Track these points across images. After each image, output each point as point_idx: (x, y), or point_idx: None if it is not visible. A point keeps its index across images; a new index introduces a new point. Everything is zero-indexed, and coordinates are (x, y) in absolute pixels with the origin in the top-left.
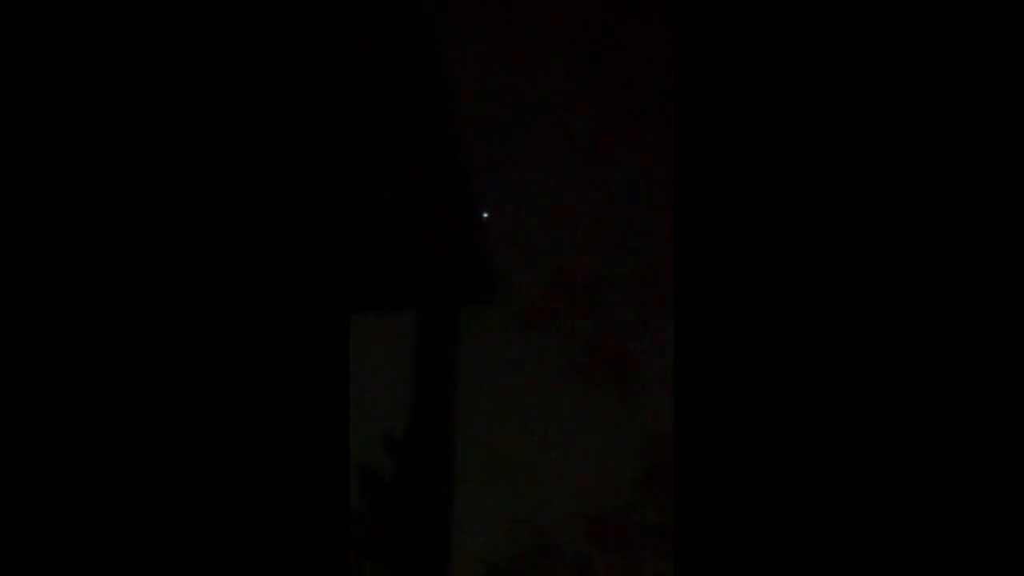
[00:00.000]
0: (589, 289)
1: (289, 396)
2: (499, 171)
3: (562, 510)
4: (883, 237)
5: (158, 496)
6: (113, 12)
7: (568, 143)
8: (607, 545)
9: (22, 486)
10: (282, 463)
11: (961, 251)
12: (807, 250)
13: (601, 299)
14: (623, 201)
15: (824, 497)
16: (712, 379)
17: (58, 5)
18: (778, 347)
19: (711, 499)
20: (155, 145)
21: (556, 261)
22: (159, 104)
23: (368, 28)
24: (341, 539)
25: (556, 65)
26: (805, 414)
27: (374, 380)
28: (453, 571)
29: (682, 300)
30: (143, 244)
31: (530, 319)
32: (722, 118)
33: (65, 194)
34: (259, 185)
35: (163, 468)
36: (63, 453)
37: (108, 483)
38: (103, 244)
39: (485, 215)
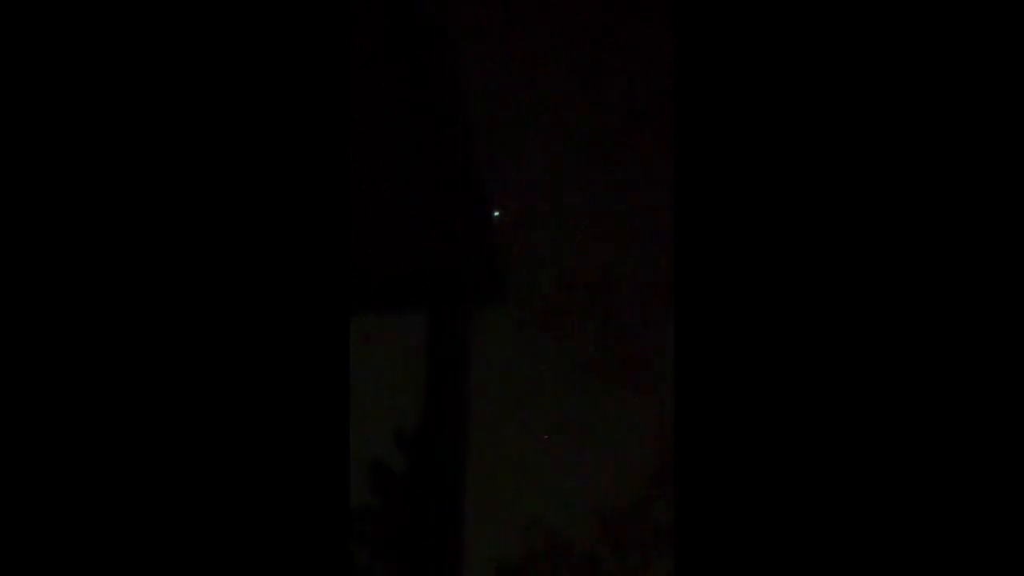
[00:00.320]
0: (598, 289)
1: (290, 394)
2: (503, 171)
3: (573, 508)
4: (882, 235)
5: (162, 493)
6: (115, 12)
7: (571, 143)
8: (618, 544)
9: (26, 484)
10: (283, 460)
11: (960, 250)
12: (807, 249)
13: (610, 298)
14: (630, 201)
15: (824, 497)
16: (712, 378)
17: (59, 5)
18: (777, 346)
19: (711, 499)
20: (156, 145)
21: (564, 261)
22: (160, 104)
23: (368, 28)
24: (342, 536)
25: (557, 65)
26: (805, 413)
27: (386, 379)
28: (465, 569)
29: (682, 299)
30: (145, 244)
31: (540, 319)
32: (722, 117)
33: (66, 194)
34: (260, 185)
35: (165, 465)
36: (75, 451)
37: (109, 482)
38: (106, 244)
39: (496, 214)
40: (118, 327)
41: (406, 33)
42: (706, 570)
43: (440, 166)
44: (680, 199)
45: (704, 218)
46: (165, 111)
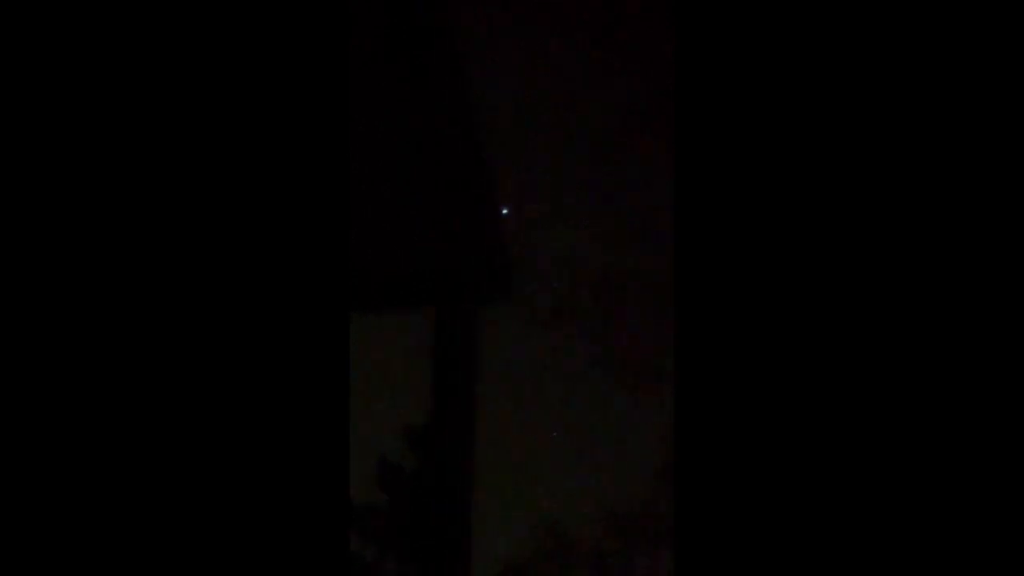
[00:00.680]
0: (603, 288)
1: (290, 393)
2: (503, 171)
3: (579, 506)
4: (881, 233)
5: (163, 491)
6: (116, 12)
7: (572, 142)
8: (625, 541)
9: (28, 483)
10: (284, 458)
11: (958, 245)
12: (807, 248)
13: (615, 297)
14: (633, 200)
15: (823, 496)
16: (712, 378)
17: (60, 5)
18: (777, 344)
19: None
20: (157, 145)
21: (570, 261)
22: (161, 104)
23: (368, 28)
24: (342, 534)
25: (557, 65)
26: (805, 413)
27: (395, 379)
28: (472, 566)
29: (682, 299)
30: (147, 244)
31: (549, 316)
32: (722, 117)
33: (67, 194)
34: (261, 185)
35: (166, 463)
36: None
37: (112, 478)
38: (107, 244)
39: (505, 211)
40: (120, 326)
41: (406, 33)
42: (706, 568)
43: (440, 166)
44: (680, 198)
45: (704, 217)
46: (167, 111)
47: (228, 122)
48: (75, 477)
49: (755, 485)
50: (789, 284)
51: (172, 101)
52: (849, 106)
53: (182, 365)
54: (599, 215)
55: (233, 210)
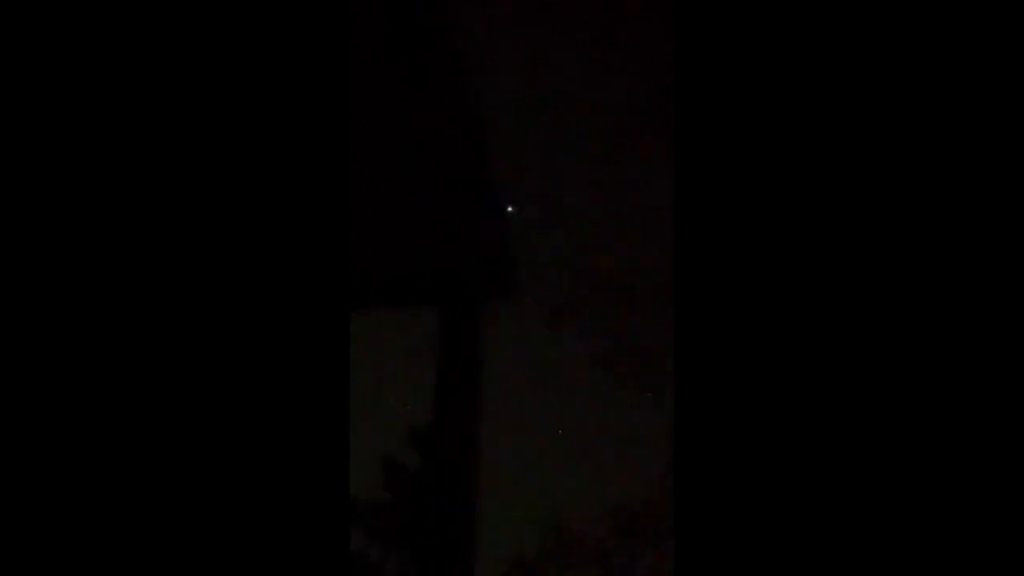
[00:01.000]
0: (608, 287)
1: (290, 393)
2: (503, 171)
3: (585, 504)
4: (881, 233)
5: (163, 490)
6: (117, 12)
7: (572, 142)
8: (630, 539)
9: (28, 483)
10: (285, 457)
11: (958, 245)
12: (807, 248)
13: (620, 296)
14: (636, 199)
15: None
16: (712, 377)
17: (60, 5)
18: (778, 344)
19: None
20: (157, 145)
21: (575, 260)
22: (161, 104)
23: (368, 28)
24: (343, 533)
25: (558, 65)
26: (805, 412)
27: (400, 377)
28: (478, 565)
29: (682, 299)
30: (147, 244)
31: (550, 316)
32: (722, 117)
33: (67, 194)
34: (261, 185)
35: (166, 462)
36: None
37: (112, 478)
38: (107, 244)
39: (510, 209)
40: (119, 325)
41: (406, 33)
42: (706, 568)
43: (440, 166)
44: (680, 198)
45: (704, 217)
46: (167, 112)
47: (228, 122)
48: (75, 477)
49: (755, 485)
50: (790, 284)
51: (172, 101)
52: (849, 106)
53: (182, 365)
54: (599, 215)
55: (233, 210)
